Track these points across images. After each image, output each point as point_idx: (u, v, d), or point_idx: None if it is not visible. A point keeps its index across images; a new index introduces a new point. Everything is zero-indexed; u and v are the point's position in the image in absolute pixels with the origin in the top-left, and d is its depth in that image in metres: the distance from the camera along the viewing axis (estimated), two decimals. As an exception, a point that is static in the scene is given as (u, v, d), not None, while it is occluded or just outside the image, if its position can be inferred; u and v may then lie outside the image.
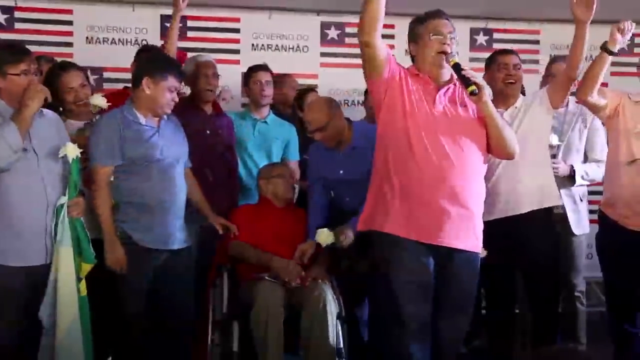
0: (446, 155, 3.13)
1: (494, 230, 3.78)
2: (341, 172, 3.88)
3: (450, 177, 3.13)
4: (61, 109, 3.74)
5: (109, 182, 3.55)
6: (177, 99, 3.63)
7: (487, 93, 3.15)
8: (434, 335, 3.24)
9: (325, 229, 3.83)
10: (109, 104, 3.82)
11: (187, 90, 4.36)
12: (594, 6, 3.43)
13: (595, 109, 3.73)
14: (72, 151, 3.29)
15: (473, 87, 3.05)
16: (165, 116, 3.68)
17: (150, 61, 3.75)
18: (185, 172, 3.76)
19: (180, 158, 3.71)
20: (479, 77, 3.10)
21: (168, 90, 3.57)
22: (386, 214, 3.22)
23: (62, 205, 3.30)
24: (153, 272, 3.59)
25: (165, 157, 3.59)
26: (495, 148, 3.25)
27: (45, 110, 3.40)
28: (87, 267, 3.36)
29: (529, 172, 3.77)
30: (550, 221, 3.87)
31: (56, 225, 3.30)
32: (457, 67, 3.10)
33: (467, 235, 3.22)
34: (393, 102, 3.21)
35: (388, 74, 3.19)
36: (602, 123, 3.81)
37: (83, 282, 3.35)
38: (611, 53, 3.52)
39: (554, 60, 4.45)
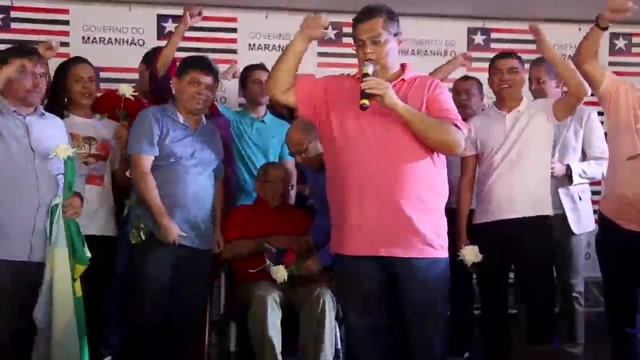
0: (372, 161, 3.03)
1: (489, 231, 3.79)
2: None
3: (377, 184, 3.03)
4: (65, 101, 3.77)
5: (149, 168, 3.60)
6: (204, 92, 3.68)
7: (391, 97, 2.95)
8: (406, 344, 3.21)
9: (281, 267, 3.79)
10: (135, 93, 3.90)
11: None
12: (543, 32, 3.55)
13: (592, 79, 3.58)
14: (64, 152, 3.29)
15: (363, 101, 2.91)
16: (204, 121, 3.77)
17: (180, 63, 3.81)
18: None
19: (210, 164, 3.75)
20: (381, 86, 2.93)
21: (189, 84, 3.65)
22: (333, 232, 3.24)
23: (56, 206, 3.30)
24: (170, 270, 3.60)
25: (195, 159, 3.65)
26: (431, 147, 3.06)
27: (48, 114, 3.45)
28: (80, 268, 3.35)
29: (525, 179, 3.77)
30: (546, 224, 3.85)
31: (51, 225, 3.29)
32: (362, 78, 2.98)
33: (411, 242, 3.06)
34: (323, 124, 3.19)
35: (306, 105, 3.19)
36: (602, 112, 3.75)
37: (78, 282, 3.34)
38: (601, 28, 3.44)
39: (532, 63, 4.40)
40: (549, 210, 3.87)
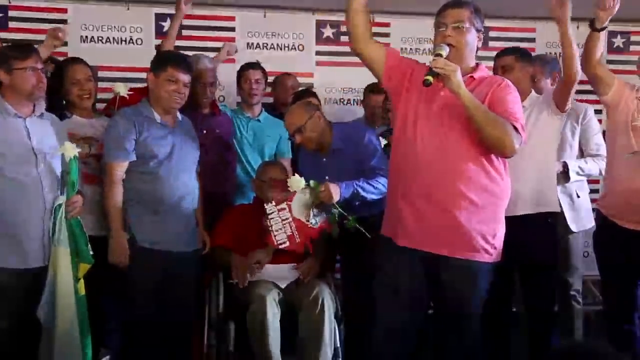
0: (423, 158, 3.04)
1: None
2: (327, 177, 3.86)
3: (427, 182, 3.03)
4: (65, 102, 3.77)
5: (121, 178, 3.57)
6: (181, 91, 3.63)
7: (457, 81, 2.93)
8: (442, 342, 3.24)
9: (298, 176, 3.71)
10: (131, 92, 3.89)
11: None
12: (569, 4, 3.42)
13: (602, 83, 3.60)
14: (70, 150, 3.28)
15: (427, 77, 2.91)
16: (180, 117, 3.71)
17: (155, 57, 3.80)
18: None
19: (191, 161, 3.72)
20: (449, 67, 2.91)
21: (167, 82, 3.59)
22: (384, 216, 3.26)
23: (60, 205, 3.30)
24: (160, 273, 3.58)
25: (176, 157, 3.61)
26: (484, 142, 3.00)
27: (46, 113, 3.43)
28: (85, 267, 3.34)
29: (528, 175, 3.73)
30: (548, 222, 3.83)
31: (54, 224, 3.29)
32: (434, 57, 3.01)
33: (453, 241, 3.05)
34: (396, 105, 3.20)
35: (388, 77, 3.20)
36: (599, 110, 3.75)
37: (81, 281, 3.34)
38: (597, 30, 3.48)
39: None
40: (552, 207, 3.84)
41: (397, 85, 3.19)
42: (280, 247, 3.75)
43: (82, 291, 3.34)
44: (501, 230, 3.15)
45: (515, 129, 3.00)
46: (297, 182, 3.66)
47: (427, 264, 3.11)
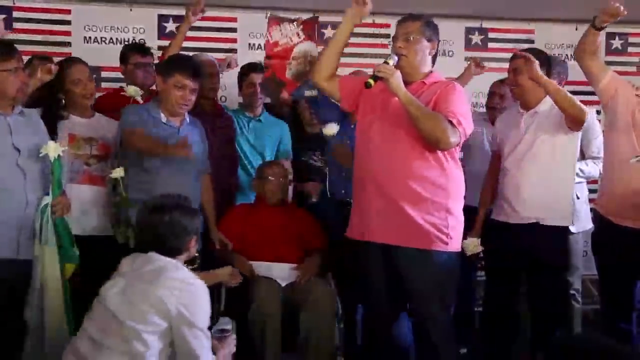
0: (373, 157, 3.28)
1: (501, 230, 3.78)
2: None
3: (377, 178, 3.25)
4: (64, 103, 3.74)
5: None
6: (189, 97, 3.69)
7: (396, 82, 3.15)
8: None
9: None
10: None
11: None
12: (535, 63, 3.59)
13: (591, 76, 3.64)
14: (54, 150, 3.26)
15: (368, 80, 3.17)
16: (187, 119, 3.76)
17: (164, 61, 3.86)
18: (202, 177, 3.85)
19: (196, 161, 3.74)
20: (389, 71, 3.14)
21: (174, 87, 3.63)
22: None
23: (46, 206, 3.27)
24: None
25: (179, 157, 3.61)
26: (422, 137, 3.20)
27: (27, 110, 3.40)
28: (70, 268, 3.34)
29: (536, 183, 3.71)
30: (559, 233, 3.80)
31: (41, 224, 3.25)
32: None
33: (405, 231, 3.24)
34: (359, 116, 3.47)
35: (347, 104, 3.52)
36: (601, 110, 3.77)
37: (66, 281, 3.32)
38: (597, 29, 3.53)
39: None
40: (562, 222, 3.79)
41: (354, 104, 3.47)
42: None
43: (68, 292, 3.32)
44: (456, 222, 3.30)
45: (452, 124, 3.17)
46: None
47: (384, 254, 3.28)
